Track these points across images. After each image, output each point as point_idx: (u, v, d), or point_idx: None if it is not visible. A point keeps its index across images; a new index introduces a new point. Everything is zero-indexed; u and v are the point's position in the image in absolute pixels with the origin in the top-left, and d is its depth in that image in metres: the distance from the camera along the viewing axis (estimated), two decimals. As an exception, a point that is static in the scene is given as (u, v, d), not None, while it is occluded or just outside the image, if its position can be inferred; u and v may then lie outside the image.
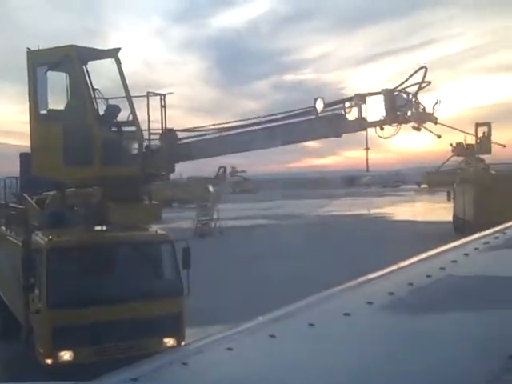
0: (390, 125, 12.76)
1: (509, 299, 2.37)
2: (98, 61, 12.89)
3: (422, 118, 12.90)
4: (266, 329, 2.08)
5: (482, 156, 38.16)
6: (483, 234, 3.55)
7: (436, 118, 13.26)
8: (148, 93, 12.91)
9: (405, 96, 12.65)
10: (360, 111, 12.58)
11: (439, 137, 13.61)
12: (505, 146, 34.29)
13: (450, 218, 39.17)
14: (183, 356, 1.96)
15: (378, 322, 2.21)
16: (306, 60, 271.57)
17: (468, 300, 2.39)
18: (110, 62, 12.31)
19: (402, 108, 12.65)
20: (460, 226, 34.20)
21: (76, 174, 12.12)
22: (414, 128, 13.06)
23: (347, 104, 12.88)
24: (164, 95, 12.94)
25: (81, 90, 12.25)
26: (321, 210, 61.94)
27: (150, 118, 12.75)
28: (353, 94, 13.08)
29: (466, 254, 3.01)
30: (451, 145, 38.22)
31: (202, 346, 2.04)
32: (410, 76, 12.57)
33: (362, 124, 12.74)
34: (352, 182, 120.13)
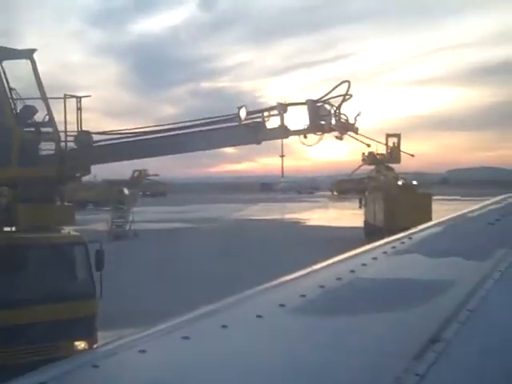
0: (314, 133, 13.23)
1: (413, 300, 2.48)
2: (13, 61, 12.51)
3: (345, 128, 13.53)
4: (179, 330, 2.07)
5: (392, 165, 39.50)
6: (391, 239, 3.70)
7: (357, 129, 13.98)
8: (65, 95, 12.80)
9: (328, 107, 13.14)
10: (282, 120, 12.95)
11: (369, 146, 14.35)
12: (413, 156, 35.99)
13: (361, 223, 40.37)
14: (94, 358, 1.93)
15: (289, 324, 2.25)
16: (224, 68, 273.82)
17: (376, 301, 2.48)
18: (24, 63, 12.06)
19: (326, 118, 13.02)
20: (370, 231, 35.52)
21: None
22: (336, 137, 13.72)
23: (268, 113, 13.22)
24: (80, 97, 12.85)
25: None
26: (236, 214, 62.17)
27: (66, 119, 12.58)
28: (275, 103, 13.47)
29: (374, 258, 3.13)
30: (363, 154, 39.40)
31: (114, 349, 2.01)
32: (333, 88, 13.24)
33: (285, 132, 13.17)
34: (268, 187, 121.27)
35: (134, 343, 2.00)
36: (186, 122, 13.81)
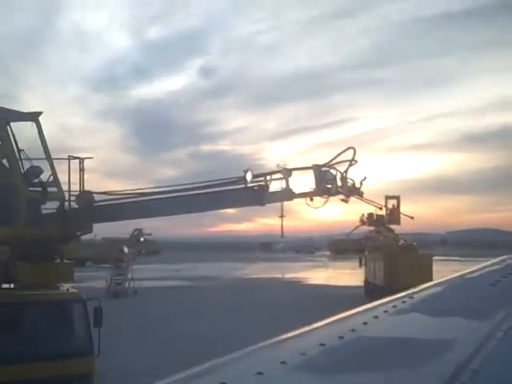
0: (320, 196, 13.80)
1: (415, 359, 2.45)
2: (20, 123, 12.82)
3: (352, 192, 14.29)
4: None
5: (392, 226, 39.61)
6: (392, 298, 3.69)
7: (363, 192, 14.77)
8: (69, 156, 13.25)
9: (333, 172, 13.82)
10: (287, 183, 13.65)
11: (381, 208, 15.60)
12: (413, 218, 36.46)
13: (360, 282, 40.21)
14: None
15: (290, 382, 2.23)
16: (224, 132, 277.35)
17: (377, 360, 2.46)
18: (30, 125, 12.39)
19: (331, 182, 13.83)
20: (371, 290, 35.50)
21: None
22: (342, 200, 14.53)
23: (270, 176, 13.79)
24: (83, 159, 13.23)
25: (7, 150, 12.16)
26: (236, 272, 61.79)
27: (70, 179, 12.90)
28: (275, 166, 14.41)
29: (375, 317, 3.11)
30: (362, 215, 39.61)
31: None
32: (339, 154, 14.13)
33: (289, 195, 13.70)
34: (267, 247, 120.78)
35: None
36: (187, 184, 14.10)
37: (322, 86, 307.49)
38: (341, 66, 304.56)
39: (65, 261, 13.13)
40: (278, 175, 13.89)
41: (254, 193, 13.43)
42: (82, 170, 12.99)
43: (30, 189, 12.34)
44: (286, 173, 13.64)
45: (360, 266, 42.10)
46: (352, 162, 13.97)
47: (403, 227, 40.06)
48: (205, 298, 36.21)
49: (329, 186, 13.88)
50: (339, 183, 14.20)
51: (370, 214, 37.79)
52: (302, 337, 2.80)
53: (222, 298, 35.20)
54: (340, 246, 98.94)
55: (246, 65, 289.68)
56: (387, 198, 39.22)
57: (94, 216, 13.30)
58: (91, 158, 14.18)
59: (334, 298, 32.77)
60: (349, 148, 14.23)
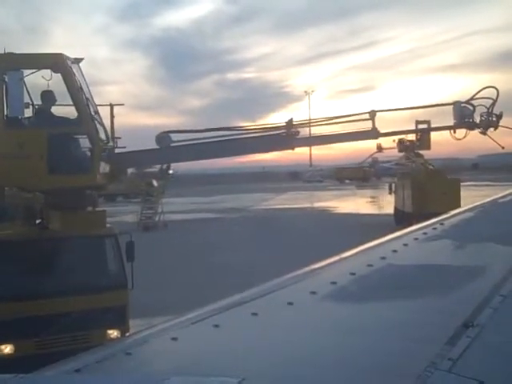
0: (456, 129, 15.74)
1: (445, 286, 2.45)
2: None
3: (489, 125, 15.52)
4: (210, 319, 2.08)
5: (422, 152, 39.16)
6: (422, 225, 3.66)
7: (498, 126, 16.00)
8: (110, 104, 13.25)
9: (470, 107, 15.35)
10: (374, 123, 14.68)
11: (503, 148, 17.14)
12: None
13: (391, 210, 40.22)
14: (127, 346, 1.95)
15: (320, 311, 2.25)
16: (249, 59, 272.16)
17: (407, 288, 2.46)
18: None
19: (470, 117, 15.58)
20: (401, 218, 35.49)
21: (66, 183, 11.66)
22: (480, 132, 15.81)
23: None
24: (113, 106, 13.28)
25: (75, 95, 11.78)
26: (265, 203, 62.19)
27: (113, 126, 12.93)
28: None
29: (405, 245, 3.10)
30: (394, 141, 39.08)
31: (146, 336, 2.03)
32: (478, 91, 15.29)
33: (376, 134, 15.22)
34: (296, 176, 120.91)
35: (166, 331, 2.01)
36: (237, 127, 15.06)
37: (349, 6, 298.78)
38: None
39: (97, 209, 13.26)
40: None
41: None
42: (113, 116, 13.08)
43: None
44: (373, 114, 14.76)
45: (390, 193, 42.03)
46: (495, 101, 15.25)
47: (434, 152, 39.62)
48: (233, 229, 36.56)
49: (469, 120, 15.42)
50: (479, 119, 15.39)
51: (401, 140, 37.33)
52: (332, 266, 2.81)
53: (249, 229, 35.54)
54: (343, 174, 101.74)
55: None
56: (417, 122, 38.49)
57: (175, 156, 13.94)
58: (122, 104, 14.35)
59: (364, 227, 32.88)
60: (489, 86, 15.62)
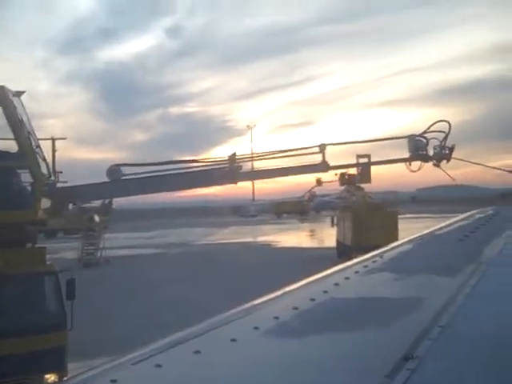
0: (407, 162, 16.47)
1: (385, 318, 2.49)
2: None
3: (442, 158, 16.34)
4: (151, 359, 2.05)
5: (363, 185, 39.92)
6: (363, 258, 3.73)
7: (450, 158, 16.66)
8: (52, 137, 13.21)
9: (424, 140, 16.21)
10: (324, 156, 15.37)
11: (454, 180, 18.40)
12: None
13: (333, 243, 40.72)
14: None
15: (264, 347, 2.24)
16: (192, 94, 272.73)
17: (349, 321, 2.49)
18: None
19: (424, 149, 16.34)
20: (342, 251, 35.91)
21: (5, 218, 11.29)
22: (434, 165, 16.57)
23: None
24: (54, 140, 13.19)
25: (17, 128, 11.49)
26: (207, 238, 61.88)
27: (54, 161, 12.79)
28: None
29: (347, 278, 3.14)
30: (336, 174, 39.76)
31: (84, 380, 1.98)
32: (431, 125, 16.15)
33: (326, 167, 15.86)
34: (238, 210, 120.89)
35: (105, 373, 1.96)
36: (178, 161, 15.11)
37: (290, 43, 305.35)
38: (309, 22, 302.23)
39: (36, 245, 12.87)
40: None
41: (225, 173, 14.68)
42: (54, 150, 12.97)
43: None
44: (323, 147, 15.36)
45: (332, 225, 42.55)
46: (448, 134, 16.14)
47: (374, 186, 40.40)
48: (175, 265, 36.16)
49: (422, 152, 16.32)
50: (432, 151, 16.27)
51: (342, 174, 37.99)
52: (274, 301, 2.82)
53: (191, 265, 35.22)
54: (282, 209, 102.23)
55: (213, 23, 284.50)
56: (358, 156, 39.35)
57: (121, 191, 13.86)
58: (64, 138, 14.29)
59: (307, 260, 33.06)
60: (442, 120, 16.36)
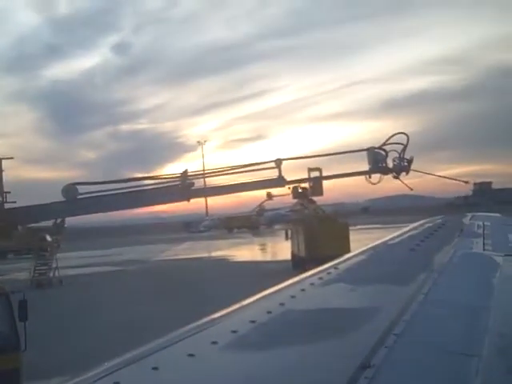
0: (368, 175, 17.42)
1: (342, 328, 2.52)
2: None
3: (401, 170, 16.82)
4: (109, 377, 2.03)
5: (315, 198, 40.42)
6: (318, 270, 3.77)
7: (409, 171, 17.36)
8: None
9: (383, 152, 16.40)
10: (280, 171, 15.71)
11: (411, 189, 18.05)
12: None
13: (288, 255, 40.94)
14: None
15: (222, 362, 2.24)
16: (142, 110, 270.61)
17: (306, 332, 2.51)
18: None
19: (383, 162, 17.11)
20: (297, 263, 36.27)
21: None
22: (394, 177, 17.23)
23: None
24: (1, 160, 13.01)
25: None
26: (163, 254, 61.38)
27: (2, 180, 12.62)
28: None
29: (302, 290, 3.17)
30: (288, 188, 40.12)
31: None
32: (389, 138, 16.46)
33: (282, 182, 16.10)
34: (190, 226, 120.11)
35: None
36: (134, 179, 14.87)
37: (238, 58, 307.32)
38: (257, 37, 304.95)
39: None
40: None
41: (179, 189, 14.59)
42: (1, 170, 12.79)
43: None
44: (279, 162, 16.15)
45: (286, 239, 42.88)
46: (406, 146, 17.20)
47: (326, 198, 40.93)
48: (131, 283, 35.75)
49: (382, 165, 17.35)
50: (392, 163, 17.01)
51: (295, 188, 38.39)
52: (232, 315, 2.82)
53: (148, 282, 34.85)
54: (232, 224, 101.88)
55: (161, 40, 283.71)
56: (309, 169, 39.89)
57: (77, 210, 13.76)
58: (11, 158, 14.15)
59: (262, 273, 33.13)
60: (400, 133, 17.54)
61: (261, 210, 68.84)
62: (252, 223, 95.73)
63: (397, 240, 5.16)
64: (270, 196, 38.34)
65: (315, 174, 39.99)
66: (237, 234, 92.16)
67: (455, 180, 37.16)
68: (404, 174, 17.28)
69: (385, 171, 16.60)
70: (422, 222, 6.40)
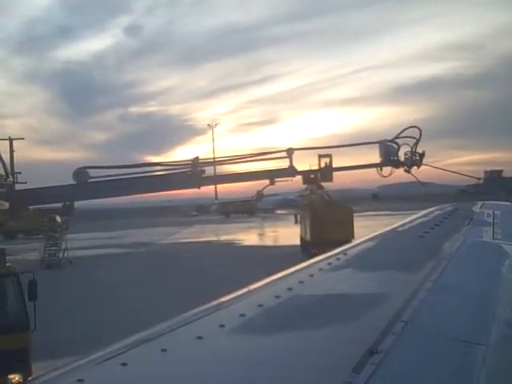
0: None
1: (350, 314, 2.53)
2: None
3: (413, 164, 16.93)
4: (117, 358, 2.04)
5: (325, 184, 40.47)
6: (327, 255, 3.77)
7: (420, 165, 17.25)
8: (9, 137, 12.98)
9: (395, 145, 16.43)
10: (291, 161, 15.81)
11: (424, 185, 18.16)
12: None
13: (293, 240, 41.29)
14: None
15: (230, 345, 2.26)
16: (152, 93, 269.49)
17: (314, 317, 2.52)
18: None
19: (395, 155, 16.98)
20: (305, 246, 36.50)
21: None
22: (405, 170, 17.29)
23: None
24: (12, 140, 13.02)
25: None
26: (172, 237, 61.58)
27: (13, 161, 12.64)
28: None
29: (311, 275, 3.17)
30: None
31: (50, 380, 1.97)
32: (402, 131, 16.48)
33: (293, 172, 16.20)
34: (202, 209, 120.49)
35: (72, 373, 1.96)
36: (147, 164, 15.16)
37: (251, 41, 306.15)
38: (269, 21, 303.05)
39: None
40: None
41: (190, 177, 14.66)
42: (12, 150, 12.80)
43: None
44: (290, 152, 16.27)
45: (296, 223, 43.20)
46: (418, 140, 17.21)
47: (336, 184, 40.95)
48: (137, 264, 35.92)
49: (394, 158, 17.42)
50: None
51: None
52: (240, 299, 2.83)
53: (157, 264, 35.01)
54: (229, 208, 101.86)
55: (173, 22, 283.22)
56: (320, 156, 39.87)
57: (88, 193, 13.83)
58: (22, 138, 14.16)
59: (271, 257, 33.23)
60: (413, 126, 17.53)
61: (260, 195, 68.58)
62: (250, 208, 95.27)
63: (406, 227, 5.15)
64: (272, 181, 38.26)
65: (325, 160, 40.04)
66: (252, 218, 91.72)
67: (467, 176, 37.13)
68: (415, 168, 17.28)
69: (396, 164, 16.50)
70: (431, 209, 6.38)
